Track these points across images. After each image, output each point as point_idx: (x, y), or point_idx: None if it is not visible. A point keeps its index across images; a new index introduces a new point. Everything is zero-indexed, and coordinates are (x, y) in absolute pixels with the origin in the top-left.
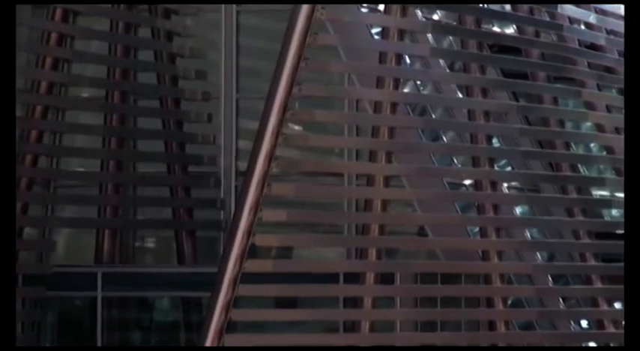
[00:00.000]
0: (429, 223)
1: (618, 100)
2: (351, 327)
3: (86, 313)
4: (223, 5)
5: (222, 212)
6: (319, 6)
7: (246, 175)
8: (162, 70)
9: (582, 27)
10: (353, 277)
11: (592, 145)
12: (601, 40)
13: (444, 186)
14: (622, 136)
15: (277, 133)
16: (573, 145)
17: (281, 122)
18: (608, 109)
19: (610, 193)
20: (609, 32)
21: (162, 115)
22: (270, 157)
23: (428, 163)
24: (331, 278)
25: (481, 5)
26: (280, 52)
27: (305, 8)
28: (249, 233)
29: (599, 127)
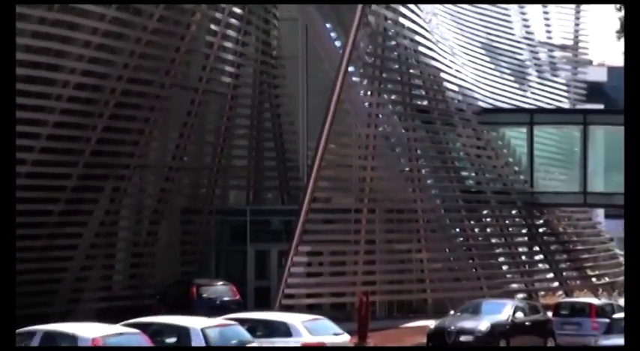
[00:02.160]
0: (390, 187)
1: (473, 133)
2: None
3: (242, 227)
4: (300, 95)
5: (302, 183)
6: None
7: (311, 167)
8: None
9: (456, 101)
10: (357, 211)
11: (460, 152)
12: (464, 106)
13: (397, 171)
14: (475, 149)
15: (325, 147)
16: (452, 153)
17: (327, 142)
18: (468, 137)
19: (468, 173)
20: (468, 104)
21: (275, 141)
22: (322, 158)
23: (392, 161)
24: (347, 211)
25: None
26: (325, 113)
27: (336, 95)
28: (313, 191)
29: (463, 145)
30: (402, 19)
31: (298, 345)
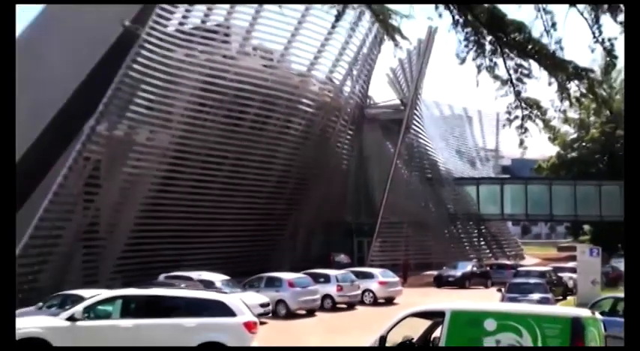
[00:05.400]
0: (416, 212)
1: (452, 189)
2: None
3: (350, 230)
4: (376, 172)
5: (377, 211)
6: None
7: (380, 204)
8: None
9: (444, 174)
10: (401, 223)
11: (446, 197)
12: (448, 176)
13: (419, 205)
14: (453, 196)
15: (387, 196)
16: (443, 197)
17: (388, 194)
18: (449, 191)
19: (450, 205)
20: (450, 175)
21: (365, 194)
22: (386, 200)
23: (417, 200)
24: (397, 223)
25: None
26: (386, 180)
27: (392, 172)
28: (382, 214)
29: (447, 194)
30: (420, 140)
31: (376, 283)
